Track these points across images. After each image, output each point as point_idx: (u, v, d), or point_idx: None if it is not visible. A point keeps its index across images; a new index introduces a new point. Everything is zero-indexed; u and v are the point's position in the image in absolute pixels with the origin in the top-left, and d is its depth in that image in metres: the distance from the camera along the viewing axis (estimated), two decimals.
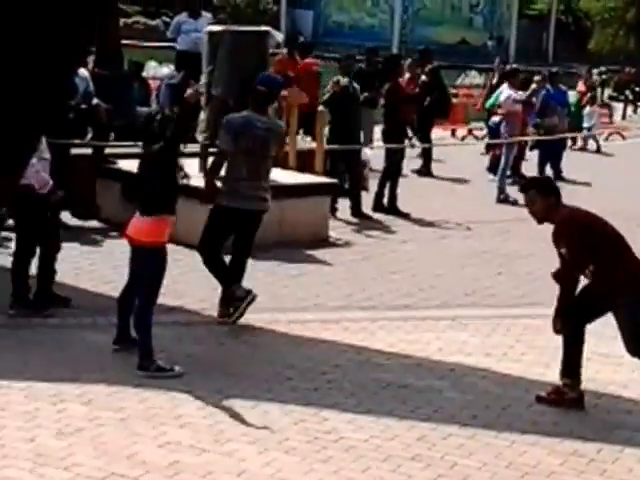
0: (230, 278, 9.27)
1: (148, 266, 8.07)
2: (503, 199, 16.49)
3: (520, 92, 17.48)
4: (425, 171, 18.74)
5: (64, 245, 11.36)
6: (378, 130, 16.18)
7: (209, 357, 8.41)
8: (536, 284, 11.18)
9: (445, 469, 6.49)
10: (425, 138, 18.36)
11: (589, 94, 24.81)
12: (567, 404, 7.66)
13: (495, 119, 18.89)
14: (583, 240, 7.61)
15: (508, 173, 17.34)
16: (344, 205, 14.37)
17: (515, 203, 15.82)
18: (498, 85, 19.78)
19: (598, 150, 23.76)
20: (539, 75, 19.93)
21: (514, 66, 20.26)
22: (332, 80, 15.17)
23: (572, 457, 6.80)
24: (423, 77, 18.12)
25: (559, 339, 9.17)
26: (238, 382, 7.73)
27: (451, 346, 9.00)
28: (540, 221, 8.16)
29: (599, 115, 24.61)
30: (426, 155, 18.88)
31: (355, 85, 15.09)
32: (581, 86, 26.05)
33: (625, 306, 7.49)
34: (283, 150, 13.11)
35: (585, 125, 23.76)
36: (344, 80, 14.90)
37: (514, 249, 13.07)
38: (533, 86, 18.67)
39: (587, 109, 24.07)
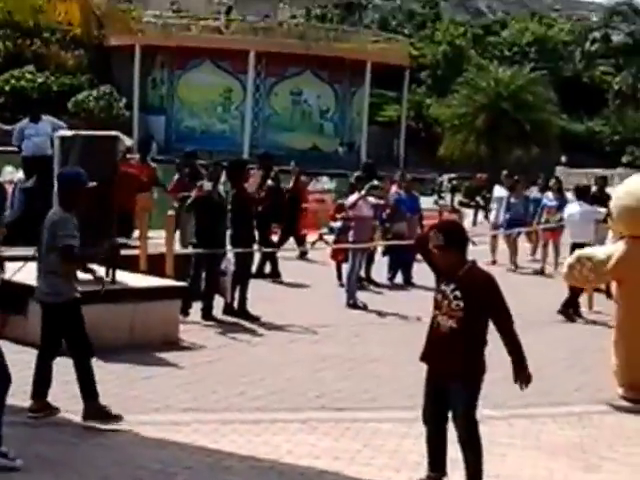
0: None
1: None
2: (352, 304, 16.83)
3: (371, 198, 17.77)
4: (274, 274, 19.07)
5: None
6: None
7: (60, 458, 8.39)
8: (385, 388, 11.49)
9: None
10: (265, 242, 18.74)
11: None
12: None
13: (337, 224, 19.22)
14: None
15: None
16: (197, 308, 14.60)
17: (365, 308, 16.24)
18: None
19: None
20: (387, 180, 20.41)
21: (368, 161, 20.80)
22: (197, 184, 15.44)
23: None
24: (269, 182, 18.51)
25: (410, 443, 9.39)
26: None
27: (301, 449, 9.09)
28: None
29: None
30: (272, 259, 19.21)
31: (221, 191, 15.43)
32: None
33: None
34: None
35: None
36: (207, 185, 15.22)
37: (363, 353, 13.33)
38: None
39: None
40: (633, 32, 66.81)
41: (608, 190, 20.37)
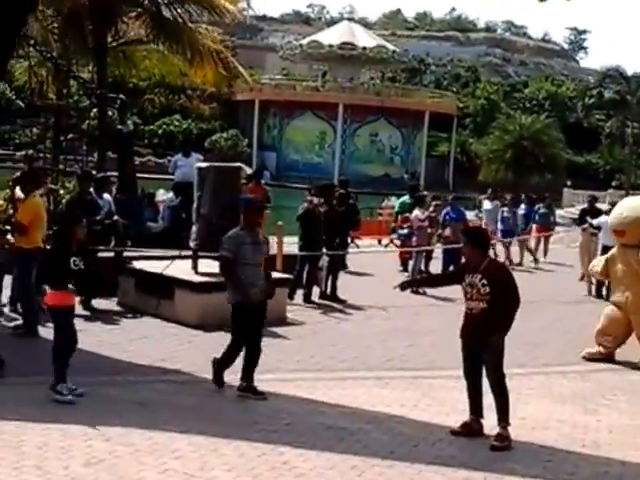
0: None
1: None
2: (415, 290, 16.62)
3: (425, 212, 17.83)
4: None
5: (92, 324, 11.53)
6: None
7: (199, 407, 8.36)
8: (439, 353, 11.29)
9: None
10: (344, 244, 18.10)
11: None
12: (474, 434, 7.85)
13: (403, 231, 19.05)
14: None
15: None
16: (300, 294, 14.49)
17: (424, 293, 15.98)
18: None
19: None
20: (438, 199, 20.07)
21: (423, 193, 20.47)
22: (306, 199, 15.19)
23: None
24: (351, 201, 18.04)
25: (457, 394, 9.30)
26: (220, 425, 7.71)
27: (375, 399, 9.02)
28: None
29: None
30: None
31: (320, 208, 15.11)
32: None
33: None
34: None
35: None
36: (316, 200, 15.05)
37: (422, 327, 13.18)
38: (431, 208, 19.00)
39: None
40: (619, 90, 66.23)
41: (598, 206, 20.37)
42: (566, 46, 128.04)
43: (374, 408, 8.66)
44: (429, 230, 18.55)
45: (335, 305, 14.60)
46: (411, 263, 17.71)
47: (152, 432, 7.34)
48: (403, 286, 8.72)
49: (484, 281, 7.67)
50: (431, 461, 7.18)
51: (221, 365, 8.89)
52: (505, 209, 22.40)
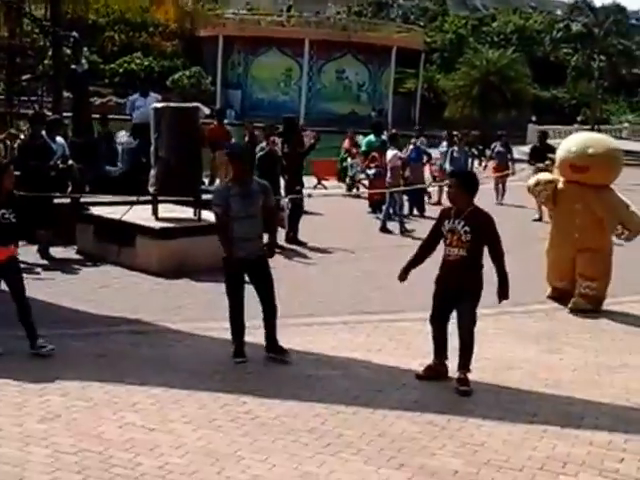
0: None
1: None
2: (384, 229, 16.62)
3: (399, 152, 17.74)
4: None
5: (51, 273, 11.33)
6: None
7: (160, 358, 8.24)
8: (406, 296, 11.24)
9: (333, 438, 6.48)
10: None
11: (353, 149, 23.72)
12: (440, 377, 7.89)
13: (371, 171, 18.93)
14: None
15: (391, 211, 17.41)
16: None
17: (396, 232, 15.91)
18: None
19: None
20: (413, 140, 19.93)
21: (393, 132, 20.17)
22: (270, 139, 14.73)
23: (428, 426, 6.82)
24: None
25: (423, 338, 9.29)
26: (180, 376, 7.63)
27: (342, 344, 8.97)
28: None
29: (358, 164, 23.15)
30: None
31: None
32: (346, 143, 24.75)
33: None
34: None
35: (349, 173, 23.35)
36: (278, 141, 14.73)
37: (390, 270, 12.92)
38: (411, 147, 18.94)
39: (349, 160, 23.50)
40: (587, 23, 65.92)
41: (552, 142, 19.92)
42: None
43: (339, 354, 8.61)
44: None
45: (299, 249, 14.47)
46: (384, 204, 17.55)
47: (111, 385, 7.26)
48: (402, 277, 8.25)
49: (467, 228, 7.56)
50: (395, 406, 7.19)
51: (232, 330, 8.34)
52: (455, 148, 21.58)
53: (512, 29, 74.80)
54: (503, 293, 7.71)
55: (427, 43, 68.04)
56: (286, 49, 60.48)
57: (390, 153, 17.61)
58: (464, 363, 7.70)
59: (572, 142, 11.54)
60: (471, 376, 7.72)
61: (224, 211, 8.10)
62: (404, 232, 16.57)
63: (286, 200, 15.01)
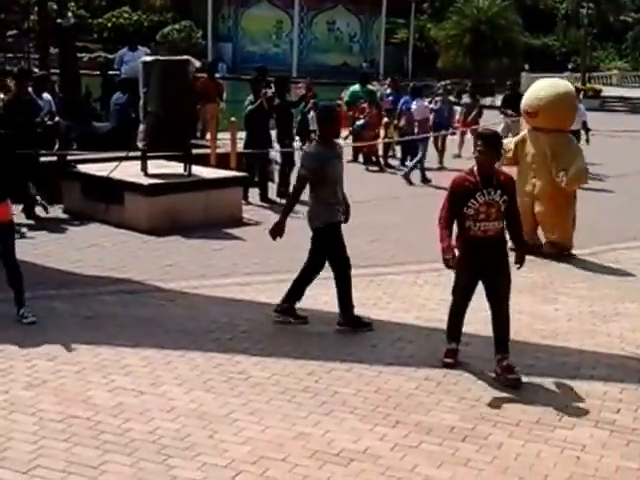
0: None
1: None
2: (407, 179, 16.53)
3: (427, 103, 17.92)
4: None
5: (36, 233, 11.07)
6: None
7: (150, 317, 8.02)
8: (400, 248, 11.07)
9: (328, 397, 6.31)
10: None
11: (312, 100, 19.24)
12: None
13: (360, 122, 18.52)
14: None
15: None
16: (254, 193, 14.04)
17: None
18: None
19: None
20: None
21: (414, 84, 19.67)
22: (262, 93, 14.05)
23: (425, 382, 6.67)
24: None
25: (417, 290, 9.13)
26: (172, 337, 7.42)
27: (335, 299, 8.60)
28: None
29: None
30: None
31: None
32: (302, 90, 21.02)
33: None
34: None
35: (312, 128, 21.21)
36: (270, 92, 14.34)
37: (385, 221, 12.77)
38: (437, 98, 19.21)
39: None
40: None
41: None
42: None
43: (334, 309, 8.32)
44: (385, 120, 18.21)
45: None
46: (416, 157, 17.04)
47: (100, 348, 7.04)
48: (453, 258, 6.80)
49: (505, 197, 6.62)
50: (390, 362, 7.04)
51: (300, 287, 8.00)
52: (438, 99, 20.24)
53: None
54: (521, 258, 6.97)
55: None
56: (276, 1, 59.71)
57: (416, 104, 17.41)
58: (504, 347, 6.85)
59: (530, 89, 11.47)
60: (467, 329, 7.46)
61: (315, 176, 7.61)
62: (426, 181, 16.60)
63: (277, 153, 14.68)
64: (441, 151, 19.36)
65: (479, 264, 6.77)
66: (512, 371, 6.75)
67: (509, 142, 11.42)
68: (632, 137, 24.52)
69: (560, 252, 11.01)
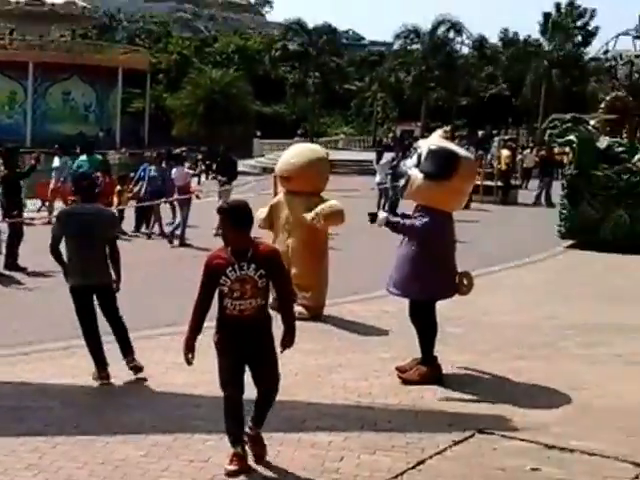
0: None
1: None
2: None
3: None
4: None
5: None
6: None
7: None
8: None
9: (52, 473, 5.91)
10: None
11: None
12: None
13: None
14: None
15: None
16: None
17: None
18: None
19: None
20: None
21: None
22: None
23: (153, 448, 6.41)
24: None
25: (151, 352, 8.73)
26: None
27: (63, 370, 8.38)
28: None
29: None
30: None
31: None
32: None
33: None
34: None
35: None
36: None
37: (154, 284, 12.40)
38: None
39: None
40: (302, 43, 67.96)
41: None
42: (253, 0, 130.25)
43: (60, 381, 8.06)
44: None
45: (17, 275, 13.54)
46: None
47: None
48: (191, 352, 6.15)
49: (262, 271, 5.85)
50: (117, 431, 6.72)
51: None
52: (153, 167, 19.55)
53: (233, 49, 76.22)
54: (288, 342, 6.14)
55: (153, 64, 67.64)
56: (10, 72, 57.98)
57: (176, 171, 18.43)
58: (262, 419, 6.32)
59: (284, 155, 11.72)
60: (198, 391, 7.39)
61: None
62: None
63: (5, 226, 14.03)
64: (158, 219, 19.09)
65: (239, 348, 6.00)
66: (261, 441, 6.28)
67: (264, 209, 11.39)
68: (360, 196, 25.57)
69: (314, 313, 10.93)
